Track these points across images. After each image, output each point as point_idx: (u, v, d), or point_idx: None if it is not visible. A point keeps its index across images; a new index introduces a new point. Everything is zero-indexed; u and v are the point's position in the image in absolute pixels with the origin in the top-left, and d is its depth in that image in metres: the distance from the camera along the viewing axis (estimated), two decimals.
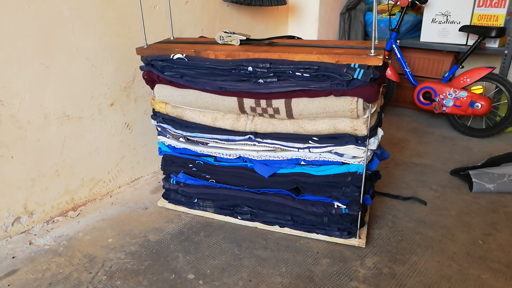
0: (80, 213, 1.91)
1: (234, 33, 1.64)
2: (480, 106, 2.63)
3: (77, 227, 1.80)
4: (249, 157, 1.68)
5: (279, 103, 1.49)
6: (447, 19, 2.91)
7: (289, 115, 1.51)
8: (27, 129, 1.67)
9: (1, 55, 1.52)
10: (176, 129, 1.76)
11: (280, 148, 1.62)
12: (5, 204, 1.67)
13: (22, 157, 1.68)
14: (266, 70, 1.45)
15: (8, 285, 1.46)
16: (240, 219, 1.80)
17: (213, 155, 1.75)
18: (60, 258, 1.59)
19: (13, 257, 1.60)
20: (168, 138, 1.82)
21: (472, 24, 2.81)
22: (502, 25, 2.69)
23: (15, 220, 1.72)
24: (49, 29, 1.64)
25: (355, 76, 1.36)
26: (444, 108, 2.79)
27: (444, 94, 2.76)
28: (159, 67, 1.64)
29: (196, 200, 1.86)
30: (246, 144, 1.66)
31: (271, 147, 1.63)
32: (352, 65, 1.36)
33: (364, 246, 1.64)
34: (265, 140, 1.62)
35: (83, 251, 1.63)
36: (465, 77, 2.68)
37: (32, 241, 1.70)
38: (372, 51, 1.36)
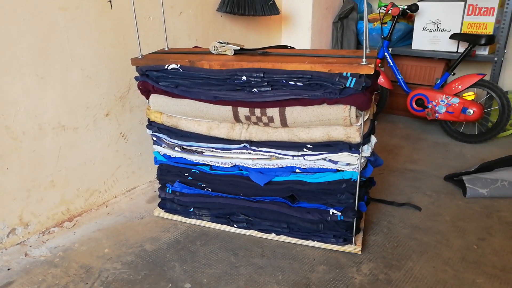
0: (76, 223, 1.90)
1: (228, 43, 1.66)
2: (472, 112, 2.66)
3: (73, 238, 1.79)
4: (245, 165, 1.69)
5: (273, 112, 1.51)
6: (437, 27, 2.96)
7: (283, 123, 1.53)
8: (22, 140, 1.67)
9: None
10: (172, 138, 1.77)
11: (275, 156, 1.63)
12: (0, 216, 1.67)
13: (17, 168, 1.68)
14: (260, 80, 1.47)
15: None
16: (236, 227, 1.80)
17: (208, 163, 1.76)
18: (56, 269, 1.59)
19: (9, 269, 1.59)
20: (163, 147, 1.82)
21: (462, 32, 2.86)
22: (491, 33, 2.74)
23: (10, 232, 1.71)
24: (44, 40, 1.66)
25: (347, 85, 1.38)
26: (436, 115, 2.82)
27: (436, 101, 2.79)
28: (154, 77, 1.65)
29: (192, 209, 1.86)
30: (241, 152, 1.67)
31: (266, 155, 1.64)
32: (344, 74, 1.38)
33: (360, 253, 1.65)
34: (260, 148, 1.63)
35: (79, 262, 1.63)
36: (456, 83, 2.72)
37: (28, 252, 1.69)
38: (364, 60, 1.39)
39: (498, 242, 1.72)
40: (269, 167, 1.65)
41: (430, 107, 2.84)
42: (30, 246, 1.73)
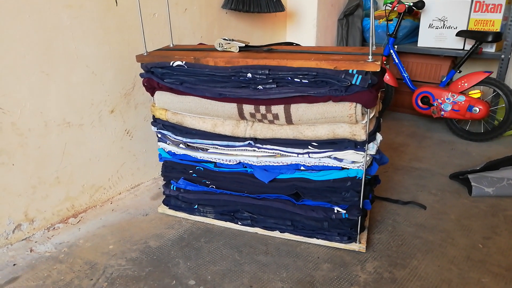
0: (80, 220, 1.91)
1: (233, 40, 1.66)
2: (478, 110, 2.64)
3: (78, 234, 1.80)
4: (249, 163, 1.69)
5: (278, 109, 1.50)
6: (444, 24, 2.94)
7: (288, 120, 1.52)
8: (28, 136, 1.68)
9: (2, 63, 1.53)
10: (176, 135, 1.77)
11: (280, 154, 1.63)
12: (6, 212, 1.68)
13: (23, 164, 1.68)
14: (265, 77, 1.47)
15: None
16: (240, 224, 1.80)
17: (213, 161, 1.76)
18: (61, 265, 1.60)
19: (14, 265, 1.60)
20: (168, 144, 1.82)
21: (468, 29, 2.84)
22: (498, 30, 2.71)
23: (16, 228, 1.72)
24: (50, 37, 1.66)
25: (353, 82, 1.37)
26: (442, 113, 2.80)
27: (442, 99, 2.77)
28: (159, 74, 1.65)
29: (196, 206, 1.86)
30: (246, 149, 1.67)
31: (270, 153, 1.64)
32: (350, 71, 1.37)
33: (364, 251, 1.64)
34: (264, 146, 1.63)
35: (84, 258, 1.64)
36: (462, 81, 2.70)
37: (33, 248, 1.70)
38: (370, 57, 1.38)
39: (504, 241, 1.71)
40: (274, 164, 1.65)
41: (435, 105, 2.82)
42: (36, 242, 1.74)
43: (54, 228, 1.84)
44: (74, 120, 1.83)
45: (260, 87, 1.49)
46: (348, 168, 1.55)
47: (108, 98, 1.95)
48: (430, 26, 2.99)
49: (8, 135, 1.61)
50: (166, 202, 1.96)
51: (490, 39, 2.60)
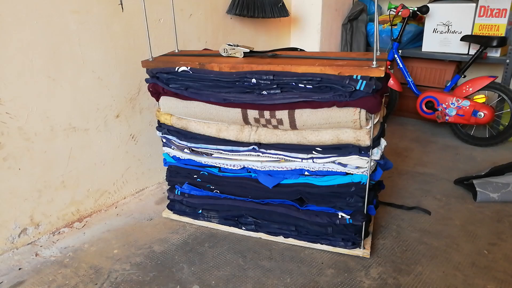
0: (85, 224, 1.92)
1: (237, 45, 1.67)
2: (483, 115, 2.63)
3: (83, 238, 1.81)
4: (253, 168, 1.69)
5: (282, 114, 1.51)
6: (448, 29, 2.94)
7: (293, 126, 1.52)
8: (34, 141, 1.69)
9: (9, 68, 1.55)
10: (181, 140, 1.78)
11: (284, 159, 1.63)
12: (12, 216, 1.69)
13: (29, 168, 1.70)
14: (269, 82, 1.47)
15: None
16: (244, 229, 1.81)
17: (217, 165, 1.76)
18: (66, 270, 1.60)
19: (20, 269, 1.61)
20: (173, 149, 1.83)
21: (473, 34, 2.84)
22: (503, 35, 2.71)
23: (21, 232, 1.74)
24: (57, 43, 1.68)
25: (357, 88, 1.37)
26: (447, 117, 2.79)
27: (446, 104, 2.77)
28: (164, 79, 1.66)
29: (200, 210, 1.87)
30: (250, 154, 1.67)
31: (275, 158, 1.64)
32: (354, 77, 1.38)
33: (368, 257, 1.64)
34: (269, 151, 1.63)
35: (88, 263, 1.64)
36: (467, 86, 2.70)
37: (38, 252, 1.71)
38: (374, 62, 1.38)
39: (509, 247, 1.70)
40: (278, 169, 1.65)
41: (440, 109, 2.81)
42: (41, 246, 1.75)
43: (59, 232, 1.85)
44: (80, 124, 1.84)
45: (264, 92, 1.50)
46: (352, 174, 1.55)
47: (113, 103, 1.96)
48: (435, 31, 2.99)
49: (15, 140, 1.63)
50: (170, 207, 1.96)
51: (495, 44, 2.59)
